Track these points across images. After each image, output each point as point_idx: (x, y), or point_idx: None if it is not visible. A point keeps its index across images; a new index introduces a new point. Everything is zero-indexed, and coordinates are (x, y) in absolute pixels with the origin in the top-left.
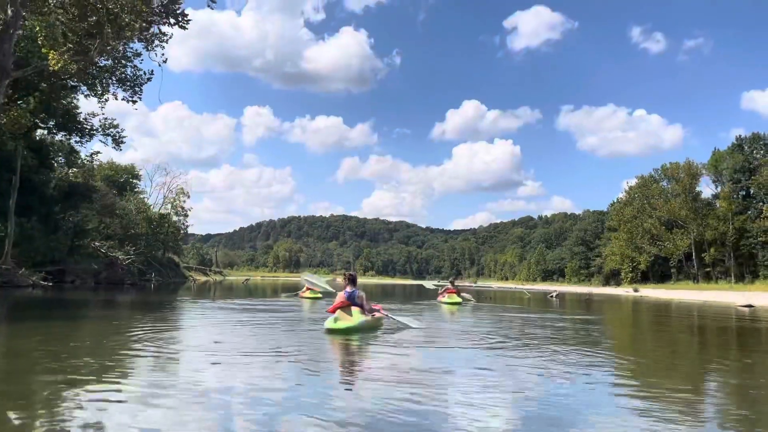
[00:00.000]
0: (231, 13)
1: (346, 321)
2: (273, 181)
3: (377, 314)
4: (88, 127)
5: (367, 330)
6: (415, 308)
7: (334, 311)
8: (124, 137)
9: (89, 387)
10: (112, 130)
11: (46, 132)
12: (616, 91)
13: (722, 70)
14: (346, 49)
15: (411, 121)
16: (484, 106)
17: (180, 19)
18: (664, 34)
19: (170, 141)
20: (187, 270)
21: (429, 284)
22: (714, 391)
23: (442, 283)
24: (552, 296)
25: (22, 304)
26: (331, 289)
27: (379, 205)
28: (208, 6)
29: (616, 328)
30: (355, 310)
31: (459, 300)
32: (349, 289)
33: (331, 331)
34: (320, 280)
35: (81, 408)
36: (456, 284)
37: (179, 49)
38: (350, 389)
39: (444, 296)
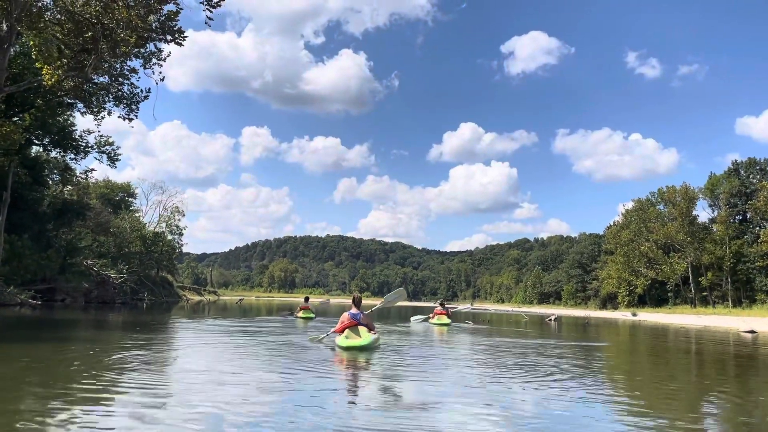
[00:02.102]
0: (231, 34)
1: (355, 340)
2: (270, 201)
3: (376, 333)
4: (83, 145)
5: (374, 348)
6: (405, 330)
7: (341, 331)
8: (120, 155)
9: (77, 411)
10: (107, 147)
11: (40, 149)
12: (611, 115)
13: (716, 96)
14: (345, 72)
15: (408, 142)
16: (481, 128)
17: (177, 36)
18: (659, 60)
19: (168, 160)
20: (181, 289)
21: (419, 318)
22: (724, 423)
23: (433, 305)
24: (550, 320)
25: (8, 324)
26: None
27: (375, 225)
28: (206, 23)
29: (620, 355)
30: (362, 329)
31: (448, 321)
32: (354, 310)
33: (345, 348)
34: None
35: None
36: (447, 306)
37: (179, 69)
38: (343, 415)
39: (434, 317)
